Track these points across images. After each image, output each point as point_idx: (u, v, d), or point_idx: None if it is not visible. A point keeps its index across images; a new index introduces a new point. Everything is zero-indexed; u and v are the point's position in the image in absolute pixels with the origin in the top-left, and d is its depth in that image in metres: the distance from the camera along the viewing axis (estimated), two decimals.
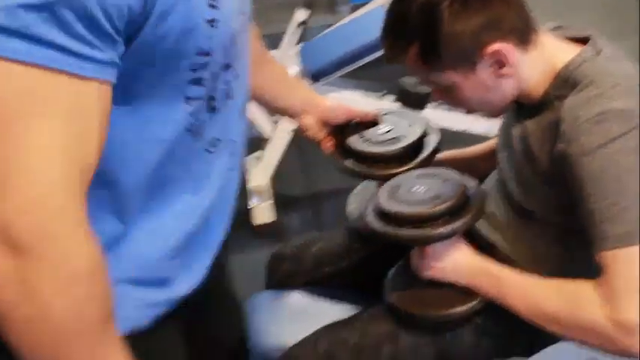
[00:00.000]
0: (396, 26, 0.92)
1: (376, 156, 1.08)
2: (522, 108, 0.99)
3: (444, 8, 0.84)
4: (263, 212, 2.01)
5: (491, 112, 1.04)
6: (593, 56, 0.90)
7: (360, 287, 1.27)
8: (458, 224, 0.91)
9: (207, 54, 0.62)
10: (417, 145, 1.08)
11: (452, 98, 0.98)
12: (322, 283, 1.27)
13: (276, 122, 2.03)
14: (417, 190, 0.97)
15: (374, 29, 1.84)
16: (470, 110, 1.03)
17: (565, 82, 0.90)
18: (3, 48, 0.48)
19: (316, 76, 1.90)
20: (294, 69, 1.99)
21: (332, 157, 1.12)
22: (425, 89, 2.00)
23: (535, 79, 0.93)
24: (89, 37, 0.50)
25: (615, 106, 0.84)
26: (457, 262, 0.99)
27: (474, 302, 0.97)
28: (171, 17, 0.56)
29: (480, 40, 0.87)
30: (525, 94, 0.95)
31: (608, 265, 0.82)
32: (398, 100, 2.05)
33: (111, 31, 0.51)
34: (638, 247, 0.80)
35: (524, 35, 0.89)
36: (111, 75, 0.54)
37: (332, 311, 1.20)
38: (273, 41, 3.03)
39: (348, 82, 2.04)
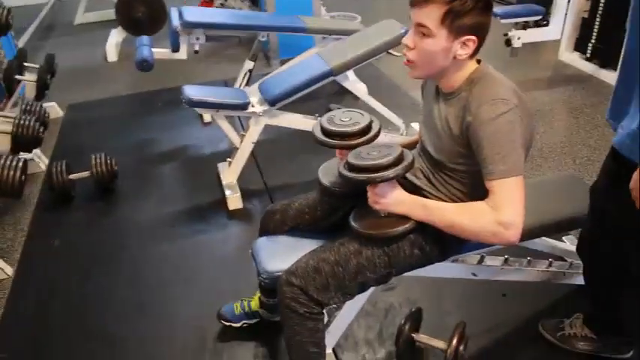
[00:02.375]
0: None
1: (343, 133, 1.52)
2: (439, 95, 1.41)
3: (471, 1, 1.25)
4: (235, 201, 2.74)
5: (420, 71, 1.37)
6: (487, 70, 1.37)
7: (328, 229, 1.66)
8: (399, 169, 1.34)
9: None
10: (368, 127, 1.53)
11: (416, 41, 1.31)
12: (303, 227, 1.69)
13: (243, 135, 2.77)
14: (372, 153, 1.39)
15: (312, 70, 2.62)
16: (410, 57, 1.34)
17: (471, 82, 1.34)
18: None
19: (272, 102, 2.61)
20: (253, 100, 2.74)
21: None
22: None
23: (459, 75, 1.35)
24: None
25: (501, 95, 1.28)
26: (397, 198, 1.39)
27: (409, 224, 1.41)
28: None
29: (474, 30, 1.28)
30: (446, 82, 1.37)
31: (494, 189, 1.28)
32: None
33: None
34: (512, 179, 1.26)
35: (479, 47, 1.33)
36: None
37: (311, 245, 1.58)
38: (229, 83, 3.89)
39: (293, 108, 2.78)
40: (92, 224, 2.73)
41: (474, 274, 1.85)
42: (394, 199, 1.40)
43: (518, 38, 3.87)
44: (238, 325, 1.98)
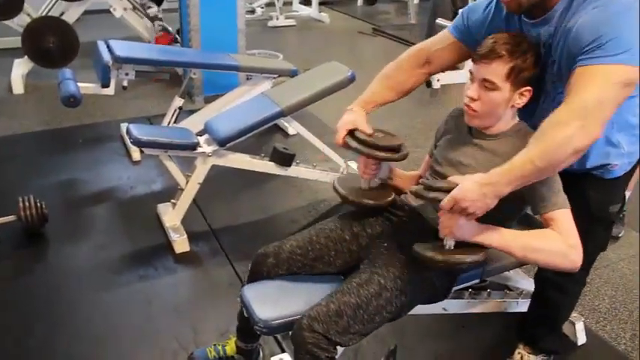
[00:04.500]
0: (514, 46, 1.40)
1: (375, 144, 1.60)
2: (479, 134, 1.53)
3: (530, 57, 1.42)
4: (182, 244, 2.64)
5: (482, 119, 1.49)
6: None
7: (321, 271, 1.64)
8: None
9: None
10: (400, 146, 1.64)
11: (481, 93, 1.44)
12: (298, 270, 1.63)
13: (188, 176, 2.69)
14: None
15: (263, 110, 2.62)
16: (474, 107, 1.46)
17: (519, 130, 1.50)
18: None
19: (222, 142, 2.57)
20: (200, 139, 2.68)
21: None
22: (291, 151, 2.78)
23: (508, 121, 1.50)
24: None
25: None
26: (473, 225, 1.40)
27: (481, 254, 1.43)
28: None
29: (531, 81, 1.44)
30: (496, 127, 1.50)
31: (558, 218, 1.40)
32: (271, 159, 2.81)
33: None
34: (568, 210, 1.42)
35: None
36: None
37: (306, 289, 1.58)
38: (154, 120, 3.81)
39: (241, 148, 2.76)
40: (23, 273, 2.50)
41: (445, 309, 1.92)
42: (470, 226, 1.40)
43: (438, 80, 4.11)
44: None
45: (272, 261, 1.64)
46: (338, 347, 1.47)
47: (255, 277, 1.67)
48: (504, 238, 1.42)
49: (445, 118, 1.74)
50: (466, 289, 1.93)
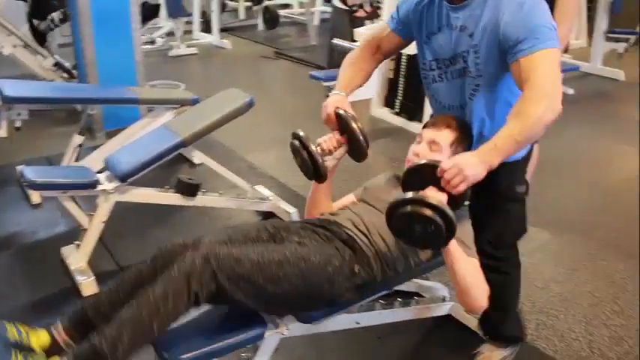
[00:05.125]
0: (461, 126, 1.73)
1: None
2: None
3: (468, 140, 1.74)
4: (89, 286, 2.53)
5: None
6: None
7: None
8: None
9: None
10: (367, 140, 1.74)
11: (426, 153, 1.70)
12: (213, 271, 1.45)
13: (90, 215, 2.62)
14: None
15: (163, 142, 2.60)
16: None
17: None
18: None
19: (123, 178, 2.53)
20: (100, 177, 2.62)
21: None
22: (195, 181, 2.77)
23: None
24: None
25: None
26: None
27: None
28: None
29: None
30: None
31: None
32: (177, 191, 2.80)
33: None
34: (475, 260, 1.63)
35: None
36: None
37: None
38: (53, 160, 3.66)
39: (146, 181, 2.73)
40: None
41: (357, 322, 1.98)
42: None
43: None
44: None
45: (190, 252, 1.49)
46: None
47: (165, 265, 1.48)
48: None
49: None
50: (376, 300, 2.00)
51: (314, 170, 1.71)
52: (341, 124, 1.76)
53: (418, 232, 1.44)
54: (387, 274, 1.73)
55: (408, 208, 1.42)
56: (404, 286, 2.13)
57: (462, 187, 1.42)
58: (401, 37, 1.89)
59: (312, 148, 1.69)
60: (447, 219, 1.40)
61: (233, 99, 2.86)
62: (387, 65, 4.69)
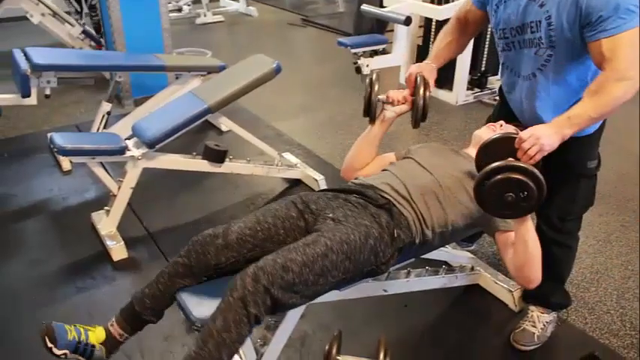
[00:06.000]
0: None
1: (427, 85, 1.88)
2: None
3: None
4: (119, 251, 2.59)
5: None
6: None
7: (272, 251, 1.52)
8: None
9: None
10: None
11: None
12: (246, 254, 1.58)
13: (120, 181, 2.65)
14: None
15: (190, 109, 2.61)
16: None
17: None
18: None
19: (151, 144, 2.54)
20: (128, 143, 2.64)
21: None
22: (223, 148, 2.77)
23: None
24: None
25: None
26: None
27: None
28: None
29: None
30: None
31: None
32: (204, 157, 2.80)
33: None
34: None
35: None
36: None
37: None
38: (82, 127, 3.71)
39: (173, 148, 2.74)
40: None
41: (385, 290, 1.97)
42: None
43: (367, 66, 4.17)
44: (59, 352, 1.60)
45: (221, 242, 1.58)
46: (261, 320, 1.44)
47: (198, 258, 1.58)
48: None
49: None
50: (404, 268, 1.98)
51: (366, 107, 1.90)
52: (415, 87, 1.89)
53: (510, 199, 1.50)
54: (426, 237, 1.72)
55: (506, 174, 1.49)
56: (433, 254, 2.11)
57: (538, 157, 1.51)
58: (481, 10, 1.92)
59: (374, 88, 1.88)
60: (540, 184, 1.47)
61: (260, 65, 2.83)
62: (415, 32, 4.58)
